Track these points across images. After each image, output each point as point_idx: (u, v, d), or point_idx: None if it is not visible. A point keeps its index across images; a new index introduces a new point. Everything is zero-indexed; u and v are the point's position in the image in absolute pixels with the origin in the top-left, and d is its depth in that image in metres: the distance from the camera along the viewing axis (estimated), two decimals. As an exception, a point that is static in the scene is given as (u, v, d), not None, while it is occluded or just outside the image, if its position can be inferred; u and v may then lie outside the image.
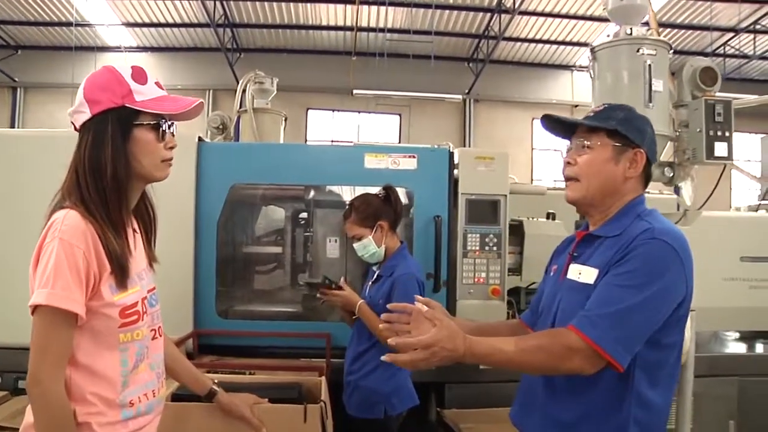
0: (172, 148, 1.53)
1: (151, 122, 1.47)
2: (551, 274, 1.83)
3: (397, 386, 2.61)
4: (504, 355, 1.50)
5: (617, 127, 1.64)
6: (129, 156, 1.44)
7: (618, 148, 1.64)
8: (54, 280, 1.30)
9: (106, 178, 1.41)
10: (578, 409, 1.59)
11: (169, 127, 1.51)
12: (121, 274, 1.41)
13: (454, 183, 3.07)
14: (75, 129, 1.48)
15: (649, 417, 1.55)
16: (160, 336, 1.60)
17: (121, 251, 1.41)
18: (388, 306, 1.70)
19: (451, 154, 3.09)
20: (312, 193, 3.44)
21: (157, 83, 1.51)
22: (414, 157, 3.04)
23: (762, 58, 14.22)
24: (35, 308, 1.32)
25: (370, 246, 2.64)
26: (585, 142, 1.67)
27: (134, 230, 1.55)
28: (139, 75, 1.47)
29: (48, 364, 1.31)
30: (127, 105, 1.43)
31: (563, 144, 1.83)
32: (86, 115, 1.43)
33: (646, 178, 1.71)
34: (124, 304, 1.42)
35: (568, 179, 1.72)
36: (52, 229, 1.34)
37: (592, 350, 1.46)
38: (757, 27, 12.95)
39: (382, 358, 1.49)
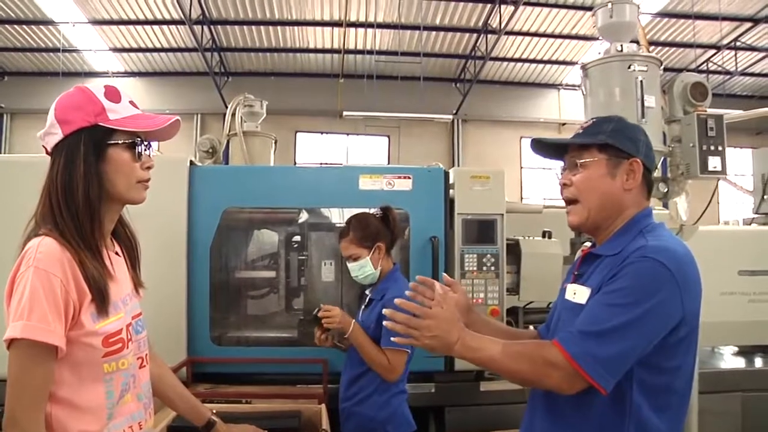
0: (149, 168, 1.47)
1: (127, 141, 1.41)
2: (561, 291, 1.78)
3: (392, 413, 2.54)
4: (489, 353, 1.49)
5: (607, 140, 1.59)
6: (102, 176, 1.38)
7: (612, 161, 1.59)
8: (30, 312, 1.22)
9: (78, 200, 1.35)
10: None
11: (146, 147, 1.45)
12: (101, 300, 1.33)
13: (449, 203, 3.04)
14: (47, 152, 1.42)
15: None
16: (147, 364, 1.54)
17: (99, 276, 1.34)
18: (411, 285, 1.66)
19: (446, 174, 3.07)
20: (305, 215, 3.40)
21: (131, 102, 1.46)
22: (409, 177, 3.01)
23: (744, 74, 14.45)
24: (11, 342, 1.23)
25: (366, 267, 2.58)
26: (577, 160, 1.62)
27: (116, 254, 1.49)
28: (113, 94, 1.43)
29: (26, 403, 1.23)
30: (100, 124, 1.38)
31: (556, 164, 1.78)
32: (58, 136, 1.38)
33: (648, 187, 1.66)
34: (107, 332, 1.34)
35: (567, 202, 1.67)
36: (26, 258, 1.27)
37: (571, 368, 1.41)
38: (738, 44, 13.18)
39: (385, 311, 1.52)
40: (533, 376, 1.47)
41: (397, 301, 1.54)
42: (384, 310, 1.54)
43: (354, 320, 2.55)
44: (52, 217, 1.35)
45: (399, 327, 1.49)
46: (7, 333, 1.23)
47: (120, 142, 1.41)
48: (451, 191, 3.06)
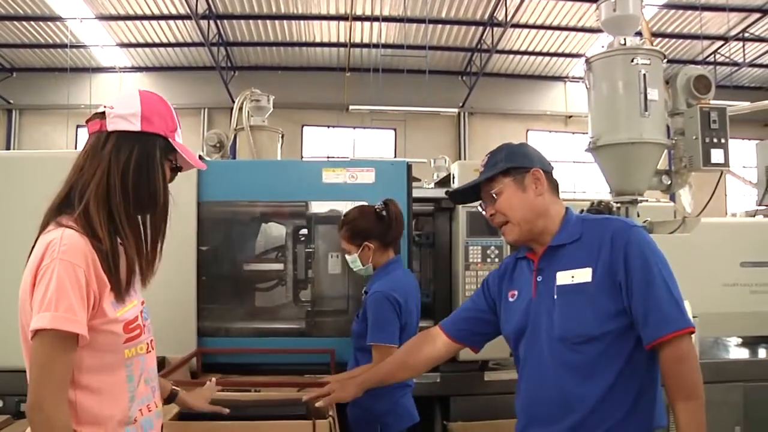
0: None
1: (176, 163, 1.54)
2: (510, 299, 1.88)
3: (392, 405, 2.54)
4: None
5: (505, 165, 1.81)
6: None
7: (517, 179, 1.81)
8: (57, 303, 1.26)
9: (158, 203, 1.48)
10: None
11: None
12: (120, 289, 1.39)
13: (412, 196, 3.04)
14: (99, 128, 1.45)
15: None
16: (153, 349, 1.58)
17: (119, 265, 1.40)
18: None
19: (409, 167, 3.05)
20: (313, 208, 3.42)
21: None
22: (372, 171, 3.01)
23: (752, 65, 14.39)
24: (36, 333, 1.27)
25: (356, 262, 2.65)
26: (492, 192, 1.83)
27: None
28: (177, 121, 1.54)
29: (51, 390, 1.27)
30: (169, 139, 1.49)
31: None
32: (133, 126, 1.43)
33: (555, 186, 1.87)
34: (127, 319, 1.41)
35: (500, 226, 1.86)
36: (50, 250, 1.31)
37: (688, 335, 1.60)
38: (746, 35, 13.12)
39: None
40: (698, 368, 1.62)
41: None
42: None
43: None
44: (106, 199, 1.41)
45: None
46: (35, 323, 1.26)
47: (172, 162, 1.53)
48: (455, 183, 3.08)
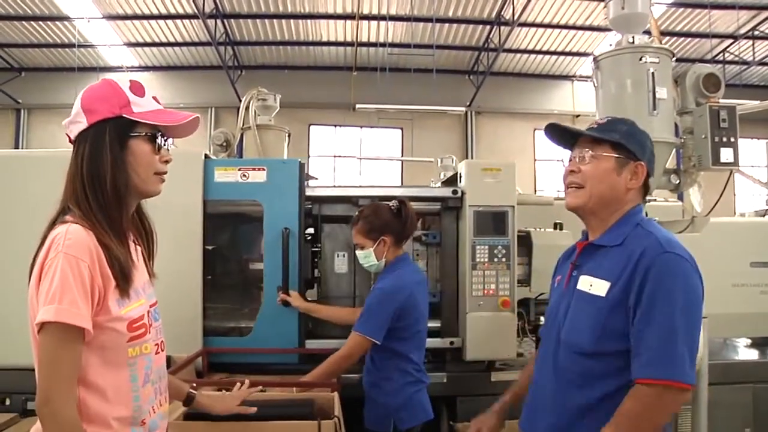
0: (166, 162, 1.53)
1: (148, 133, 1.48)
2: (555, 285, 1.89)
3: (406, 400, 2.58)
4: None
5: (621, 140, 1.71)
6: (126, 166, 1.44)
7: (621, 160, 1.71)
8: (61, 296, 1.27)
9: (106, 188, 1.41)
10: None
11: (164, 142, 1.52)
12: (125, 284, 1.39)
13: (304, 195, 3.03)
14: (70, 140, 1.48)
15: None
16: (163, 351, 1.58)
17: (124, 260, 1.40)
18: None
19: (302, 166, 3.02)
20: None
21: (154, 98, 1.52)
22: (263, 169, 2.98)
23: (761, 63, 14.28)
24: (41, 326, 1.28)
25: (370, 257, 2.66)
26: (590, 152, 1.73)
27: (135, 243, 1.54)
28: (137, 88, 1.49)
29: (59, 384, 1.28)
30: (124, 115, 1.44)
31: (565, 154, 1.87)
32: (82, 125, 1.43)
33: (645, 190, 1.78)
34: (131, 317, 1.40)
35: (570, 186, 1.77)
36: (55, 245, 1.32)
37: (668, 389, 1.48)
38: (756, 33, 13.03)
39: None
40: (653, 425, 1.53)
41: None
42: None
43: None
44: (78, 203, 1.40)
45: None
46: (40, 316, 1.27)
47: (141, 134, 1.47)
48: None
